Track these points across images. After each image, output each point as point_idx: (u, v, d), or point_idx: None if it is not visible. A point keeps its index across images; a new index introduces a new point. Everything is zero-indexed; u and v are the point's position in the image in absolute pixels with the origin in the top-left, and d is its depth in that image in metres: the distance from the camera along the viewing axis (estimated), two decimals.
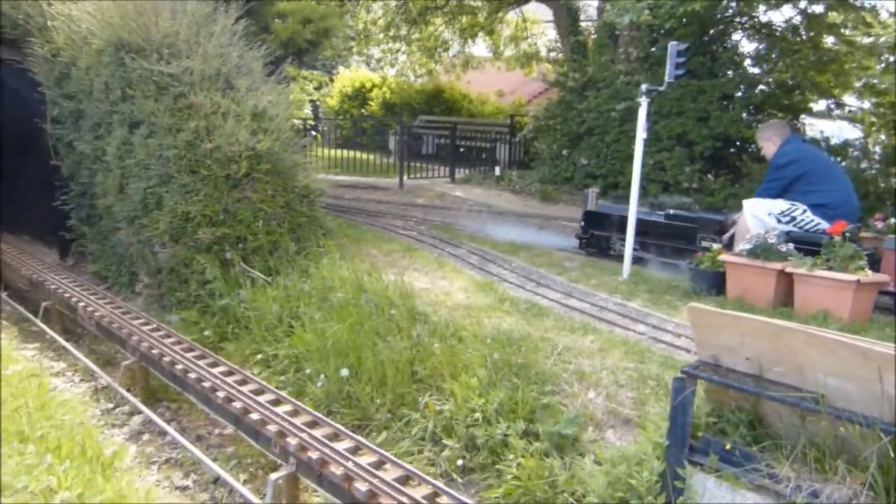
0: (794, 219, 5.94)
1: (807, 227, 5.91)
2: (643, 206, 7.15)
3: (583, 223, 7.73)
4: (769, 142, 6.40)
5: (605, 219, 7.50)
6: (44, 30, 8.19)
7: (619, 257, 6.82)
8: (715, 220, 6.68)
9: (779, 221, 5.99)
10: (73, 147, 8.05)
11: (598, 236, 7.57)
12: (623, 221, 6.80)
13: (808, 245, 5.50)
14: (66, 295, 6.86)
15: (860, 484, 2.56)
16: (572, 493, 3.45)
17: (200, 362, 5.07)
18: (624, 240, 6.72)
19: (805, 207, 5.94)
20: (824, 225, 5.76)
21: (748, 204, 6.18)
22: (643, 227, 6.96)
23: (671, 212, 7.08)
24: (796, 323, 3.53)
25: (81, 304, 6.55)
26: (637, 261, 6.88)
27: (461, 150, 14.83)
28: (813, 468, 2.70)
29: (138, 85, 6.91)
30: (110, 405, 5.33)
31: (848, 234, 5.22)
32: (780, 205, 6.02)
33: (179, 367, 5.05)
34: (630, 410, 3.90)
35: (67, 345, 6.15)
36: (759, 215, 6.04)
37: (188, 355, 5.22)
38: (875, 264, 5.38)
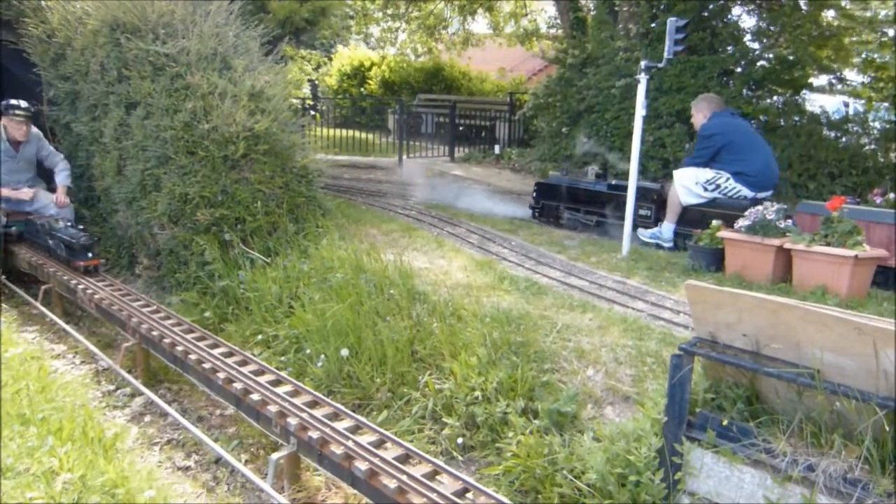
0: (718, 186, 6.46)
1: (730, 193, 6.41)
2: (589, 177, 7.90)
3: (535, 194, 8.19)
4: (700, 113, 6.91)
5: (555, 190, 7.95)
6: (38, 10, 8.12)
7: (569, 225, 7.59)
8: (652, 189, 7.16)
9: (705, 189, 6.50)
10: (69, 129, 8.01)
11: (548, 206, 8.04)
12: (569, 192, 7.61)
13: (731, 210, 6.09)
14: (66, 278, 6.86)
15: (855, 458, 2.57)
16: (571, 469, 3.48)
17: (201, 344, 5.08)
18: (570, 209, 7.65)
19: (728, 175, 6.42)
20: (746, 191, 6.34)
21: (678, 174, 6.65)
22: (589, 197, 7.56)
23: (613, 182, 7.57)
24: (794, 299, 3.54)
25: (81, 286, 6.55)
26: (582, 227, 7.55)
27: (461, 128, 14.77)
28: (809, 443, 2.72)
29: (134, 65, 6.87)
30: (111, 387, 5.35)
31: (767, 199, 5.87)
32: (706, 174, 6.49)
33: (180, 348, 5.06)
34: (629, 387, 3.92)
35: (67, 327, 6.15)
36: (687, 184, 6.52)
37: (188, 337, 5.22)
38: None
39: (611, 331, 4.46)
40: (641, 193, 7.03)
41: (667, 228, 6.83)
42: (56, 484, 2.85)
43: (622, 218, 6.90)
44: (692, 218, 6.58)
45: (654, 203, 7.02)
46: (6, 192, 7.49)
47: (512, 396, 4.01)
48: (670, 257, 6.24)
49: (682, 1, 9.36)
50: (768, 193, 6.53)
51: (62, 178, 7.64)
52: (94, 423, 3.79)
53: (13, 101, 7.32)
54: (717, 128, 6.66)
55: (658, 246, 6.78)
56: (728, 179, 6.43)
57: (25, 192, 7.54)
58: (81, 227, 7.12)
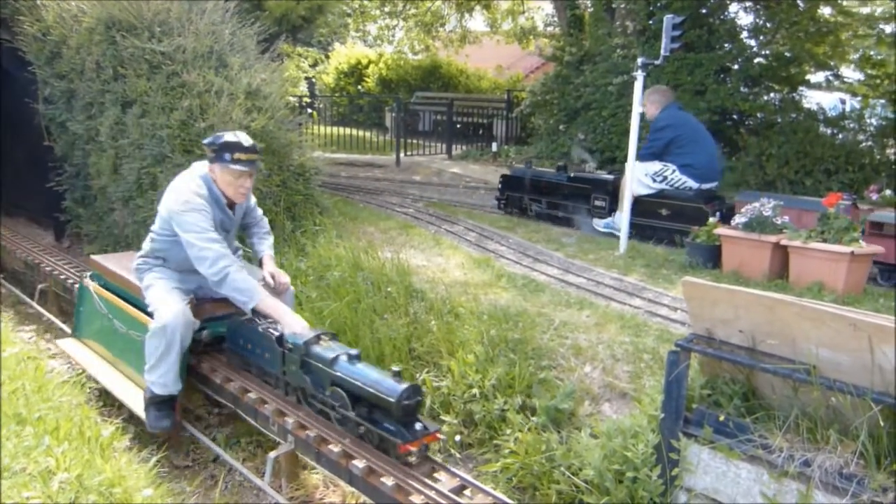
0: (665, 178, 6.72)
1: (676, 185, 6.68)
2: (551, 169, 8.24)
3: (500, 186, 8.39)
4: (653, 105, 7.01)
5: (519, 182, 8.14)
6: (33, 8, 8.09)
7: (535, 216, 7.90)
8: (608, 181, 7.37)
9: (654, 181, 6.76)
10: (65, 127, 7.99)
11: (512, 197, 8.22)
12: (532, 184, 7.93)
13: (677, 200, 6.59)
14: (63, 277, 6.86)
15: (851, 453, 2.58)
16: (569, 466, 3.48)
17: None
18: (533, 200, 7.92)
19: (675, 168, 6.69)
20: (691, 183, 6.63)
21: (628, 166, 6.68)
22: (550, 188, 7.82)
23: (572, 174, 7.81)
24: (791, 295, 3.54)
25: (78, 285, 6.54)
26: (544, 217, 7.82)
27: (458, 126, 14.76)
28: (805, 438, 2.73)
29: (130, 63, 6.85)
30: None
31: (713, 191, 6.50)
32: (655, 166, 6.75)
33: None
34: (626, 384, 3.93)
35: (64, 326, 6.15)
36: (637, 176, 6.69)
37: None
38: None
39: (608, 328, 4.46)
40: (597, 185, 7.41)
41: (619, 218, 6.92)
42: (53, 483, 2.84)
43: (580, 208, 7.45)
44: (643, 208, 6.82)
45: (610, 194, 7.26)
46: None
47: (509, 394, 4.02)
48: (668, 254, 6.25)
49: None
50: (713, 185, 6.81)
51: (269, 243, 4.72)
52: (91, 422, 3.77)
53: (230, 138, 4.08)
54: (668, 120, 6.88)
55: (612, 235, 6.97)
56: (674, 171, 6.69)
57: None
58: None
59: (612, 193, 7.18)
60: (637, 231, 6.69)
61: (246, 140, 4.07)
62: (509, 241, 6.87)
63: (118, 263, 5.01)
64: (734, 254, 5.44)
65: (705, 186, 6.70)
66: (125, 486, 3.09)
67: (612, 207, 7.16)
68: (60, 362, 5.72)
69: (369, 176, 11.28)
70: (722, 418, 2.93)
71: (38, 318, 6.70)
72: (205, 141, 4.17)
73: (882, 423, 2.51)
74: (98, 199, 7.73)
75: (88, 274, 5.05)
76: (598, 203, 7.33)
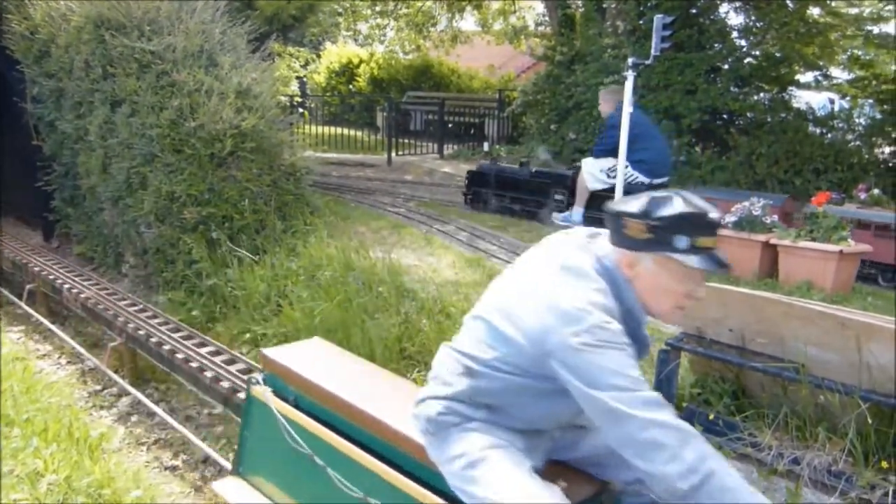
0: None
1: (629, 180, 6.80)
2: (514, 164, 8.37)
3: (466, 181, 8.57)
4: (607, 104, 7.28)
5: (485, 177, 8.30)
6: (21, 7, 8.03)
7: (498, 210, 8.02)
8: (566, 176, 7.55)
9: (608, 176, 6.94)
10: (54, 127, 7.94)
11: (478, 192, 8.38)
12: (497, 180, 8.10)
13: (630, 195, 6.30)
14: (51, 277, 6.81)
15: (839, 450, 2.60)
16: None
17: (188, 343, 5.07)
18: (498, 195, 8.04)
19: (628, 163, 6.75)
20: (642, 178, 6.81)
21: (584, 162, 7.13)
22: (514, 184, 7.98)
23: (534, 169, 7.98)
24: (780, 294, 3.56)
25: (67, 286, 6.51)
26: (508, 212, 7.96)
27: (449, 125, 14.74)
28: (794, 436, 2.75)
29: (119, 62, 6.81)
30: (98, 387, 5.32)
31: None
32: (608, 162, 6.91)
33: (167, 347, 5.04)
34: None
35: (53, 327, 6.12)
36: (592, 172, 6.98)
37: (176, 336, 5.21)
38: None
39: None
40: (556, 180, 7.64)
41: (576, 212, 7.25)
42: (41, 485, 2.83)
43: (541, 203, 7.64)
44: (598, 202, 6.92)
45: (568, 189, 7.45)
46: None
47: None
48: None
49: None
50: (663, 180, 7.01)
51: None
52: (80, 423, 3.76)
53: (685, 207, 1.86)
54: (621, 118, 6.93)
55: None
56: (627, 167, 6.87)
57: None
58: None
59: (570, 188, 7.41)
60: (593, 224, 6.72)
61: (711, 208, 1.91)
62: (501, 240, 6.87)
63: (316, 366, 2.69)
64: (724, 253, 5.46)
65: (656, 181, 6.90)
66: (114, 487, 3.08)
67: (571, 201, 7.36)
68: (49, 363, 5.69)
69: (361, 175, 11.26)
70: (712, 417, 2.95)
71: (26, 319, 6.66)
72: (624, 208, 1.92)
73: (870, 421, 2.53)
74: (87, 198, 7.68)
75: (259, 376, 2.77)
76: (557, 197, 7.56)
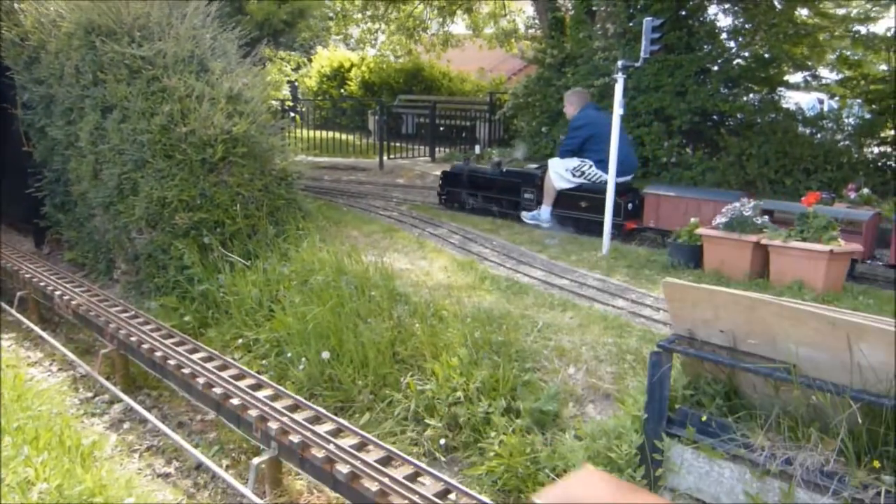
0: (583, 173, 7.24)
1: (593, 179, 7.18)
2: (486, 164, 8.63)
3: (441, 182, 8.77)
4: (571, 106, 7.62)
5: (458, 177, 8.53)
6: (11, 13, 7.99)
7: (473, 210, 8.29)
8: (536, 175, 7.74)
9: (573, 176, 7.27)
10: (45, 133, 7.90)
11: (452, 192, 8.60)
12: (470, 179, 8.34)
13: (593, 193, 7.09)
14: (42, 284, 6.77)
15: (831, 450, 2.61)
16: (553, 468, 3.49)
17: (180, 349, 5.04)
18: (471, 194, 8.32)
19: (592, 163, 7.19)
20: (606, 177, 6.84)
21: (551, 162, 7.41)
22: (486, 183, 8.23)
23: (505, 169, 8.19)
24: (772, 294, 3.57)
25: (58, 292, 6.47)
26: (480, 211, 8.21)
27: (441, 128, 14.74)
28: (786, 436, 2.76)
29: (110, 68, 6.78)
30: (89, 394, 5.29)
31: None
32: (573, 162, 7.27)
33: (159, 354, 5.02)
34: (610, 385, 3.94)
35: (44, 334, 6.08)
36: (559, 171, 7.28)
37: (167, 342, 5.18)
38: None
39: (591, 329, 4.47)
40: (525, 179, 7.83)
41: (544, 211, 7.52)
42: (32, 494, 2.81)
43: (513, 201, 7.90)
44: (565, 201, 7.37)
45: (537, 188, 7.63)
46: None
47: (494, 396, 4.01)
48: (650, 254, 6.28)
49: (658, 0, 9.42)
50: (627, 178, 7.30)
51: None
52: (72, 431, 3.74)
53: None
54: (584, 119, 7.39)
55: (537, 226, 7.51)
56: (591, 167, 7.19)
57: None
58: None
59: (539, 187, 7.62)
60: (560, 222, 7.36)
61: None
62: (493, 243, 6.88)
63: None
64: (715, 254, 5.48)
65: (620, 180, 6.97)
66: (106, 495, 3.06)
67: (540, 200, 7.59)
68: (40, 370, 5.65)
69: (352, 179, 11.25)
70: (704, 418, 2.95)
71: (17, 326, 6.61)
72: None
73: (861, 421, 2.54)
74: (78, 204, 7.65)
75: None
76: (527, 196, 7.79)
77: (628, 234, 7.04)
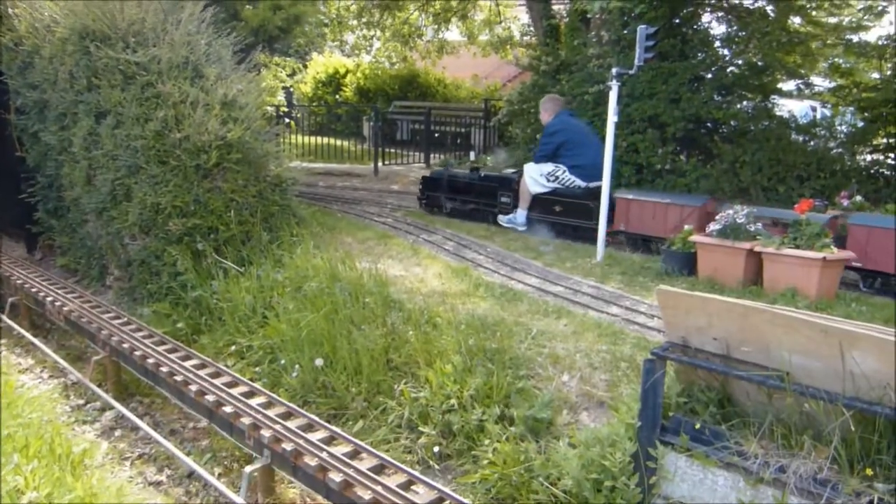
0: (557, 178, 7.42)
1: (566, 183, 7.37)
2: (465, 169, 8.90)
3: (421, 186, 8.99)
4: (546, 112, 7.86)
5: (438, 182, 8.73)
6: (5, 18, 7.98)
7: (451, 213, 8.51)
8: (512, 180, 7.96)
9: (547, 180, 7.44)
10: (38, 138, 7.88)
11: (432, 196, 8.80)
12: (449, 184, 8.54)
13: (567, 197, 7.32)
14: (34, 290, 6.74)
15: (825, 458, 2.61)
16: (547, 476, 3.47)
17: (172, 356, 5.02)
18: (450, 198, 8.53)
19: (565, 168, 7.39)
20: (579, 182, 7.32)
21: (526, 167, 7.61)
22: (465, 187, 8.45)
23: (483, 173, 8.45)
24: (765, 301, 3.58)
25: (50, 298, 6.44)
26: (457, 214, 8.44)
27: (436, 135, 14.77)
28: (780, 444, 2.75)
29: (104, 74, 6.78)
30: (81, 401, 5.25)
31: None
32: (548, 167, 7.45)
33: (151, 360, 4.99)
34: (603, 392, 3.94)
35: (35, 341, 6.04)
36: (534, 176, 7.47)
37: (160, 349, 5.16)
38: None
39: (585, 336, 4.47)
40: (502, 183, 8.04)
41: (520, 214, 7.70)
42: (22, 502, 2.78)
43: (490, 204, 8.14)
44: (540, 205, 7.58)
45: (514, 192, 7.82)
46: None
47: (488, 404, 4.00)
48: (644, 261, 6.29)
49: (652, 8, 9.46)
50: (599, 183, 7.16)
51: None
52: (63, 438, 3.71)
53: None
54: (558, 126, 7.59)
55: (514, 229, 7.72)
56: (565, 172, 7.38)
57: None
58: None
59: (515, 191, 7.80)
60: (535, 225, 7.58)
61: None
62: (487, 249, 6.88)
63: None
64: (709, 261, 5.49)
65: (592, 185, 7.25)
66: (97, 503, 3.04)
67: (517, 203, 7.76)
68: (31, 377, 5.61)
69: (347, 185, 11.25)
70: (698, 426, 2.94)
71: (8, 333, 6.57)
72: None
73: (854, 429, 2.54)
74: (71, 210, 7.62)
75: None
76: (503, 200, 7.99)
77: None
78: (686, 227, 5.94)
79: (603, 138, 6.97)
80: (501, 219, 7.90)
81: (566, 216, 7.31)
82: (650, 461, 3.05)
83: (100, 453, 4.14)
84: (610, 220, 7.03)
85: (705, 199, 6.58)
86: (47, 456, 3.33)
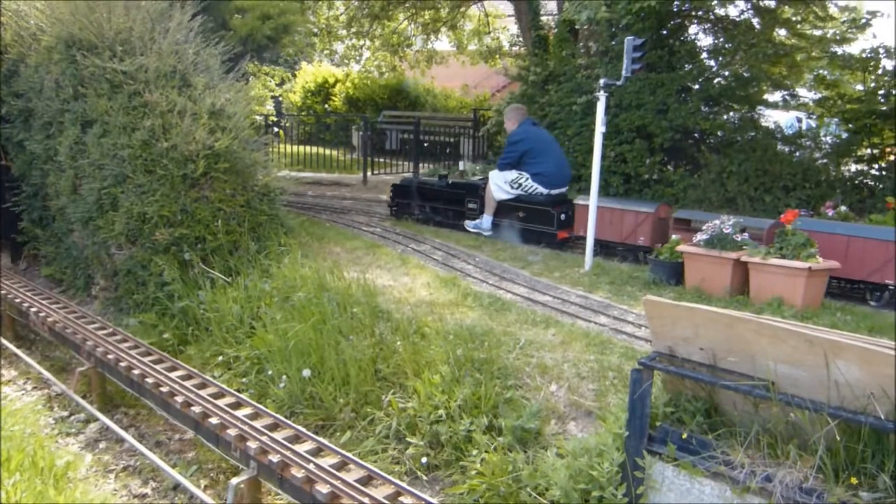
0: (520, 185, 7.62)
1: (529, 191, 7.57)
2: (434, 177, 9.22)
3: (391, 194, 9.22)
4: (510, 121, 8.03)
5: (407, 190, 8.95)
6: None
7: (419, 220, 8.70)
8: (478, 186, 8.18)
9: (511, 188, 7.64)
10: (23, 147, 7.83)
11: (402, 203, 9.01)
12: (418, 191, 8.75)
13: (530, 203, 7.55)
14: (18, 300, 6.67)
15: (810, 467, 2.61)
16: (535, 486, 3.46)
17: (158, 366, 4.98)
18: (419, 206, 8.70)
19: (528, 176, 7.58)
20: (541, 189, 7.55)
21: (491, 175, 7.82)
22: (434, 194, 8.65)
23: (451, 181, 8.69)
24: (751, 311, 3.60)
25: (34, 309, 6.38)
26: (429, 221, 8.60)
27: (425, 144, 14.79)
28: (766, 453, 2.76)
29: (91, 83, 6.75)
30: (65, 413, 5.19)
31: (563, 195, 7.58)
32: (511, 174, 7.65)
33: (137, 372, 4.95)
34: (591, 402, 3.93)
35: (19, 352, 5.98)
36: (498, 183, 7.69)
37: (146, 360, 5.11)
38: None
39: (573, 346, 4.47)
40: (469, 190, 8.28)
41: (486, 219, 7.90)
42: None
43: (458, 210, 8.31)
44: (504, 211, 7.80)
45: (480, 198, 8.03)
46: None
47: (476, 414, 3.99)
48: (632, 271, 6.31)
49: (640, 20, 9.54)
50: (561, 190, 7.74)
51: None
52: (45, 451, 3.66)
53: None
54: (522, 135, 7.77)
55: (479, 234, 7.95)
56: (528, 179, 7.58)
57: None
58: None
59: (481, 197, 8.00)
60: (499, 231, 7.81)
61: None
62: (476, 259, 6.88)
63: None
64: (696, 270, 5.52)
65: (554, 192, 7.60)
66: None
67: (483, 209, 7.97)
68: (14, 389, 5.54)
69: (336, 195, 11.23)
70: (685, 436, 2.95)
71: None
72: None
73: (839, 438, 2.55)
74: (56, 219, 7.56)
75: None
76: (470, 206, 8.23)
77: (561, 243, 7.49)
78: (673, 237, 5.97)
79: (590, 149, 7.02)
80: (468, 224, 8.11)
81: (529, 221, 7.59)
82: (638, 471, 3.05)
83: (83, 466, 4.09)
84: (571, 226, 7.37)
85: (657, 205, 6.89)
86: (30, 469, 3.29)
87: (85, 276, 7.28)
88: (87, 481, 3.76)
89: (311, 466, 3.59)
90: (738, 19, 10.55)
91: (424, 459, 3.99)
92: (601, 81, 6.24)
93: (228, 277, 6.03)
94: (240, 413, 4.21)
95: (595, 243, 6.92)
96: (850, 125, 9.05)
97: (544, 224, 7.43)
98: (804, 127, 9.77)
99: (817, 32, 10.10)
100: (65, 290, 7.44)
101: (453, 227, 8.31)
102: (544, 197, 7.55)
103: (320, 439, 3.98)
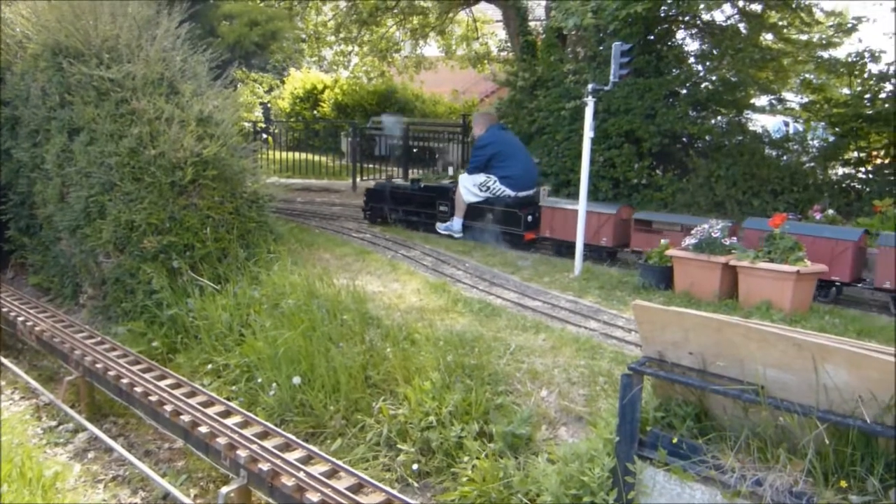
0: (489, 188, 7.84)
1: (497, 193, 7.80)
2: (406, 181, 9.47)
3: (365, 199, 9.37)
4: (478, 126, 8.33)
5: (381, 194, 9.12)
6: None
7: (395, 221, 8.88)
8: (449, 189, 8.39)
9: (480, 191, 7.87)
10: (9, 155, 7.77)
11: (375, 208, 9.18)
12: (392, 195, 8.94)
13: (498, 206, 7.76)
14: (5, 309, 6.61)
15: (800, 471, 2.63)
16: (527, 492, 3.46)
17: (147, 375, 4.94)
18: (392, 209, 8.89)
19: (496, 179, 7.80)
20: (509, 191, 7.76)
21: (461, 178, 8.07)
22: (406, 198, 8.84)
23: (423, 185, 8.85)
24: (740, 315, 3.61)
25: (21, 318, 6.32)
26: (402, 223, 8.78)
27: (414, 150, 14.80)
28: (756, 458, 2.77)
29: (77, 90, 6.72)
30: (53, 423, 5.14)
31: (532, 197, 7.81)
32: (480, 178, 7.87)
33: (125, 381, 4.91)
34: (582, 407, 3.94)
35: (6, 361, 5.92)
36: (467, 186, 7.92)
37: (134, 368, 5.08)
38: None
39: (563, 351, 4.48)
40: (440, 193, 8.46)
41: (456, 222, 8.13)
42: None
43: (430, 213, 8.52)
44: (474, 213, 8.04)
45: (451, 200, 8.22)
46: None
47: (466, 420, 3.99)
48: (622, 276, 6.33)
49: (627, 25, 9.59)
50: (529, 192, 7.92)
51: None
52: (34, 461, 3.63)
53: None
54: (489, 139, 8.01)
55: (450, 236, 8.14)
56: (495, 182, 7.79)
57: None
58: None
59: (452, 200, 8.19)
60: (469, 233, 8.03)
61: None
62: (466, 265, 6.88)
63: None
64: (685, 275, 5.54)
65: (521, 194, 7.81)
66: None
67: (453, 212, 8.17)
68: (1, 399, 5.49)
69: (325, 201, 11.21)
70: (675, 440, 2.95)
71: None
72: None
73: (828, 441, 2.56)
74: (43, 228, 7.50)
75: None
76: (441, 209, 8.41)
77: (527, 244, 7.63)
78: (662, 241, 6.00)
79: (579, 154, 7.03)
80: (439, 226, 8.30)
81: (497, 223, 7.79)
82: (628, 476, 3.05)
83: (72, 476, 4.05)
84: (537, 227, 7.48)
85: (619, 207, 7.14)
86: (18, 479, 3.26)
87: (73, 284, 7.23)
88: (76, 492, 3.72)
89: (301, 475, 3.57)
90: (724, 24, 10.64)
91: (415, 466, 3.98)
92: (589, 86, 6.27)
93: (217, 285, 6.00)
94: (229, 421, 4.19)
95: (560, 244, 7.20)
96: (837, 129, 9.14)
97: (512, 225, 7.64)
98: (791, 131, 9.85)
99: (803, 37, 10.20)
100: (52, 299, 7.39)
101: (425, 229, 8.51)
102: (512, 199, 7.78)
103: (310, 447, 3.96)
